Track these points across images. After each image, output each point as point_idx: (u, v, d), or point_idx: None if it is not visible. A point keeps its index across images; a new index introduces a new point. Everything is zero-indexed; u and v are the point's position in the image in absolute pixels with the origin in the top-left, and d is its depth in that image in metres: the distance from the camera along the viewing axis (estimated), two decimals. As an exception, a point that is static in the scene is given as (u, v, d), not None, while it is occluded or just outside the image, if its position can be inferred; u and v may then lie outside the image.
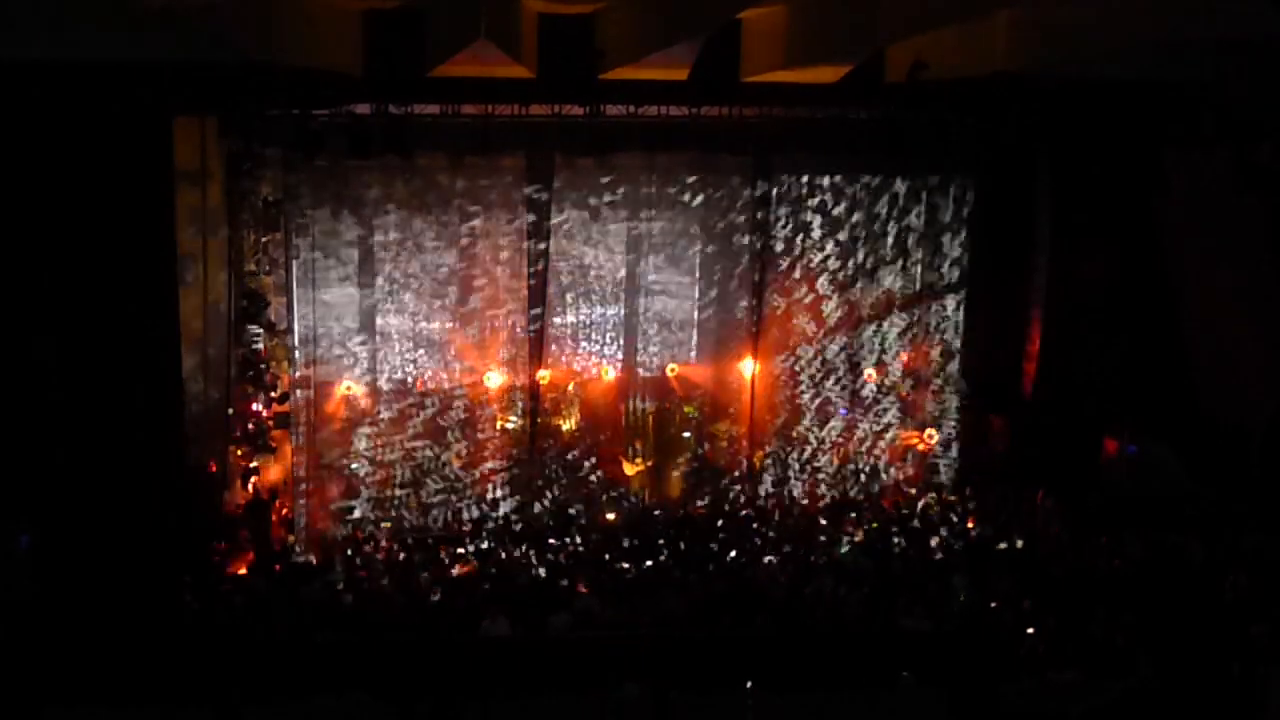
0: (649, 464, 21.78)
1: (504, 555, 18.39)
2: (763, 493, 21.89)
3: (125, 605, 14.80)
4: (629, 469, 21.67)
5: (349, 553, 18.69)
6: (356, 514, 20.50)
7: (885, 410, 22.57)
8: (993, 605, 15.74)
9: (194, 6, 14.04)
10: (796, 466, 22.23)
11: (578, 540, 19.11)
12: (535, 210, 20.47)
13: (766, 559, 17.99)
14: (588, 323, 21.66)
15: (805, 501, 21.62)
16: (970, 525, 19.49)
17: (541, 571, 17.55)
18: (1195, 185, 19.71)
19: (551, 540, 19.09)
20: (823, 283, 21.97)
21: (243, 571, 17.91)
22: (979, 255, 22.15)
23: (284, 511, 19.86)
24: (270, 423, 19.67)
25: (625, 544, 18.90)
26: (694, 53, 17.50)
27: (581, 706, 9.83)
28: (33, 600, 14.99)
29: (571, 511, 20.92)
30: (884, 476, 22.50)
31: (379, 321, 20.73)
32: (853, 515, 20.16)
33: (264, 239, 19.40)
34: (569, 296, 21.44)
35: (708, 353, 22.21)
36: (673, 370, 22.18)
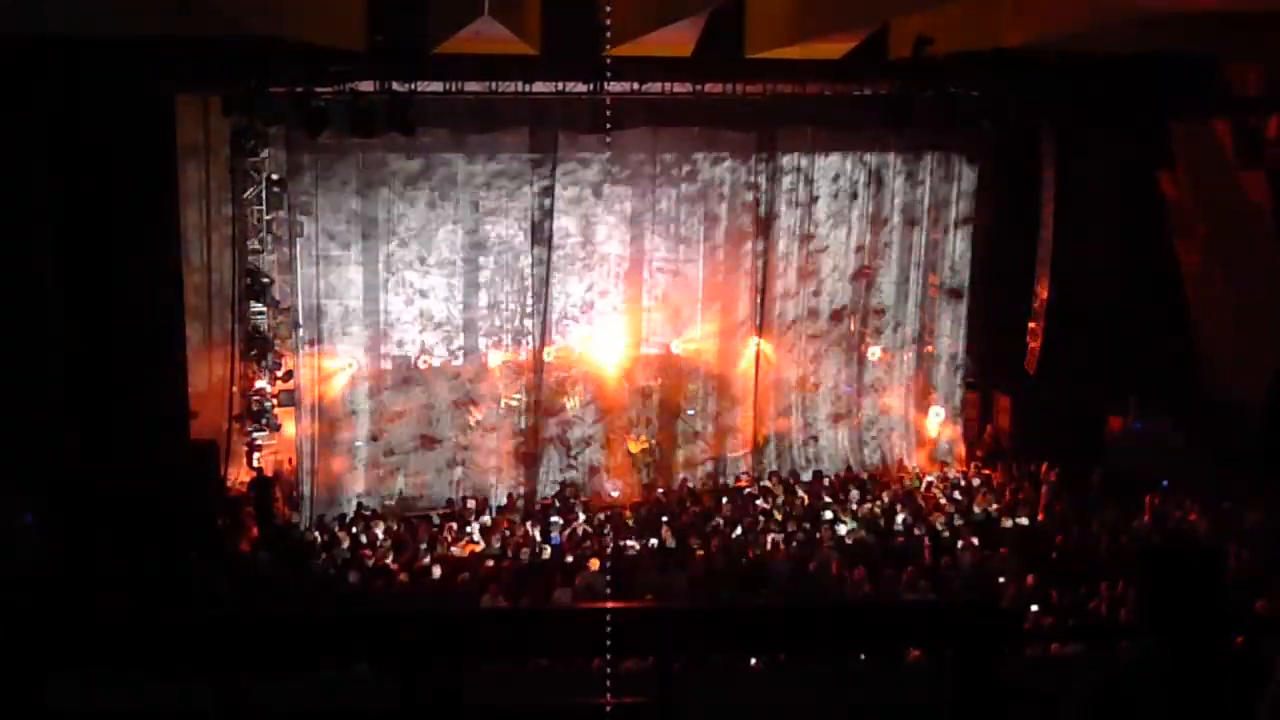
0: (653, 441, 21.80)
1: (508, 533, 18.42)
2: (767, 469, 21.89)
3: (129, 580, 14.85)
4: (633, 446, 21.70)
5: (353, 530, 18.74)
6: (360, 491, 20.54)
7: (890, 387, 22.60)
8: (998, 580, 15.78)
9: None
10: (800, 443, 22.26)
11: (581, 518, 19.12)
12: (539, 187, 20.45)
13: (770, 535, 18.01)
14: (592, 300, 21.65)
15: (809, 478, 21.62)
16: (975, 502, 19.49)
17: (545, 549, 17.59)
18: (1199, 160, 19.67)
19: (555, 518, 19.11)
20: (827, 259, 21.96)
21: (247, 548, 17.95)
22: (983, 230, 22.14)
23: (288, 488, 19.90)
24: (274, 400, 19.68)
25: (630, 521, 18.93)
26: (698, 29, 17.46)
27: (584, 679, 9.84)
28: (37, 575, 15.03)
29: (575, 488, 20.95)
30: (888, 453, 22.53)
31: (382, 299, 20.75)
32: (856, 492, 20.16)
33: (268, 217, 19.39)
34: (572, 274, 21.43)
35: (712, 329, 22.20)
36: (678, 346, 22.19)
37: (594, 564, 16.48)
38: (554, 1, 17.24)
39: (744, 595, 15.23)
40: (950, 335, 22.64)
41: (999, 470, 21.04)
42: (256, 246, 19.38)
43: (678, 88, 19.25)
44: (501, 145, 20.54)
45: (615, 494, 21.22)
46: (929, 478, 21.32)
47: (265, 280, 19.37)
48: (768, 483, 21.24)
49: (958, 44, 16.61)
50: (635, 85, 18.98)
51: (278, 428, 19.70)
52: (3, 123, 16.73)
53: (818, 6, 16.06)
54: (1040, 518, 18.71)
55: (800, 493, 20.60)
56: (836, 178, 21.79)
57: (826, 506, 19.46)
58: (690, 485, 21.33)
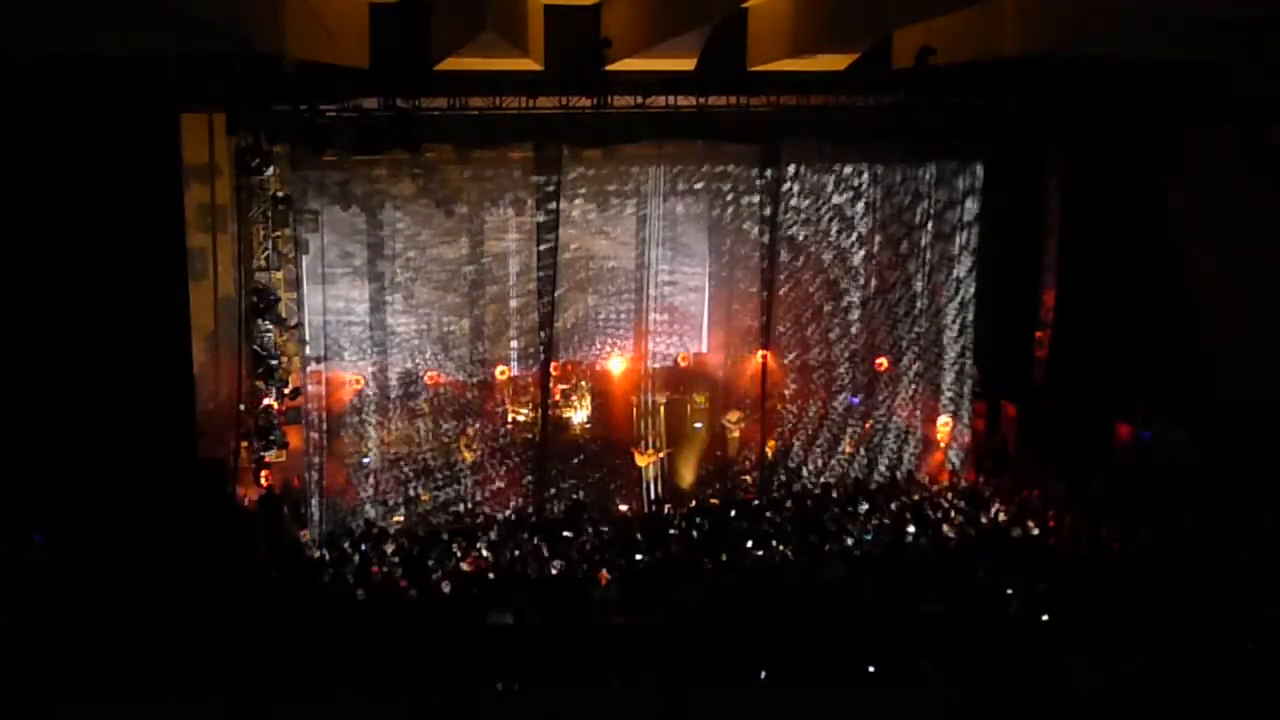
0: (661, 454, 21.78)
1: (516, 548, 18.41)
2: (775, 481, 21.87)
3: (139, 598, 14.85)
4: (641, 460, 21.67)
5: (361, 547, 18.72)
6: (368, 507, 20.54)
7: (897, 397, 22.57)
8: (1007, 590, 15.73)
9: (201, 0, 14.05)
10: (808, 454, 22.23)
11: (590, 532, 19.11)
12: (544, 202, 20.43)
13: (779, 547, 17.98)
14: (598, 314, 21.69)
15: (818, 490, 21.59)
16: (983, 511, 19.46)
17: (555, 564, 17.56)
18: (1206, 166, 19.65)
19: (565, 533, 19.09)
20: (833, 270, 21.97)
21: (256, 566, 17.94)
22: (989, 240, 22.12)
23: (296, 506, 19.89)
24: (282, 417, 19.66)
25: (638, 535, 18.91)
26: (700, 43, 17.51)
27: (597, 695, 9.85)
28: (47, 595, 15.06)
29: (584, 503, 20.93)
30: (896, 464, 22.49)
31: (389, 315, 20.78)
32: (865, 503, 20.13)
33: (273, 234, 19.39)
34: (579, 288, 21.45)
35: (718, 342, 22.23)
36: (684, 360, 22.20)
37: (604, 578, 16.46)
38: (557, 17, 17.28)
39: (754, 608, 15.20)
40: (957, 345, 22.59)
41: (1007, 479, 21.00)
42: (262, 264, 19.36)
43: (681, 101, 19.28)
44: (506, 160, 20.58)
45: (624, 508, 21.20)
46: (937, 488, 21.27)
47: (271, 298, 19.34)
48: (776, 495, 21.22)
49: (960, 54, 16.63)
50: (639, 99, 19.02)
51: (285, 445, 19.67)
52: (9, 142, 16.80)
53: (818, 20, 16.08)
54: (1049, 526, 18.67)
55: (809, 504, 20.57)
56: (841, 189, 21.77)
57: (835, 518, 19.43)
58: (698, 498, 21.31)
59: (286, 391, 19.68)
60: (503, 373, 21.43)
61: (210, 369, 19.19)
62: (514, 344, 21.33)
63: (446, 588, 16.50)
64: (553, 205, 20.41)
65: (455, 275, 20.98)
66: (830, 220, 21.83)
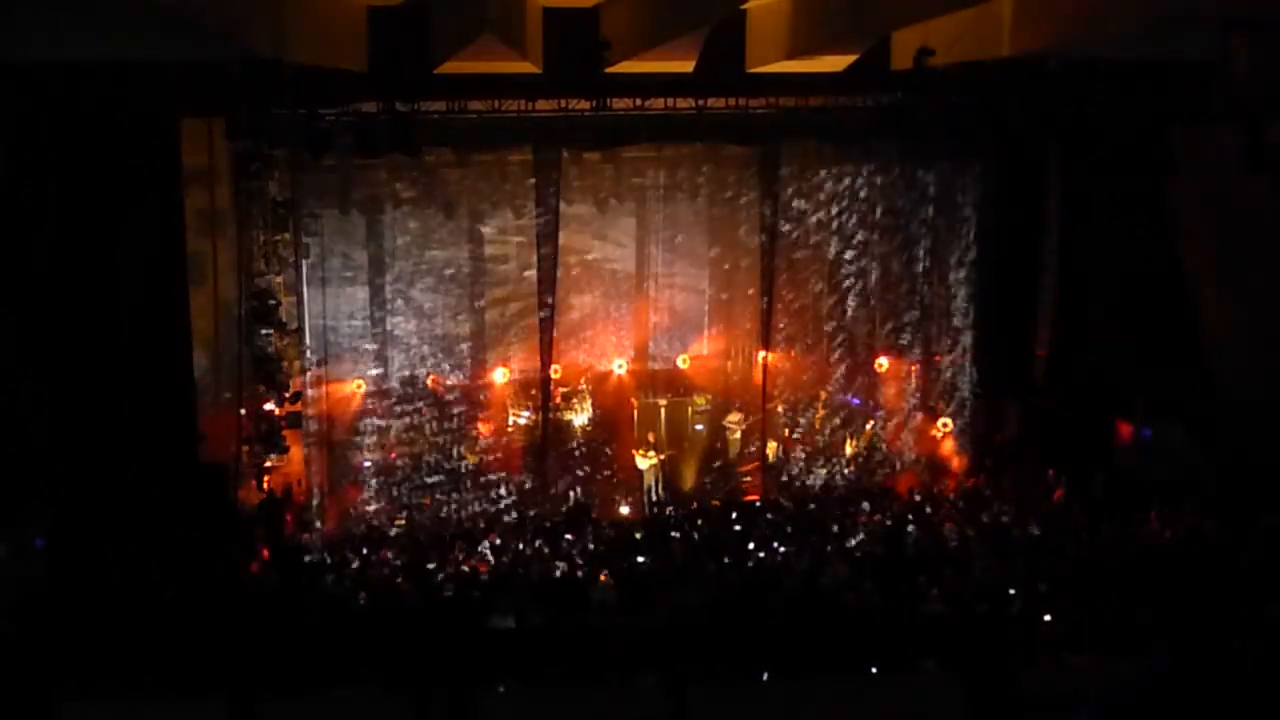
0: (662, 456, 21.77)
1: (518, 551, 18.39)
2: (776, 482, 21.86)
3: (141, 602, 14.85)
4: (642, 462, 21.66)
5: (363, 550, 18.71)
6: (370, 511, 20.54)
7: (897, 397, 22.57)
8: (1009, 590, 15.72)
9: (200, 5, 14.06)
10: (809, 455, 22.22)
11: (591, 534, 19.09)
12: (543, 205, 20.42)
13: (780, 548, 17.96)
14: (598, 316, 21.70)
15: (819, 491, 21.58)
16: (985, 511, 19.44)
17: (559, 566, 17.54)
18: (1206, 166, 19.65)
19: (566, 535, 19.07)
20: (833, 271, 21.98)
21: (257, 569, 17.93)
22: (989, 240, 22.11)
23: (298, 510, 19.87)
24: (283, 422, 19.66)
25: (639, 537, 18.89)
26: (699, 45, 17.50)
27: (598, 697, 9.84)
28: (48, 596, 15.07)
29: (585, 505, 20.92)
30: (897, 464, 22.49)
31: (389, 319, 20.83)
32: (866, 504, 20.11)
33: (273, 239, 19.39)
34: (579, 291, 21.46)
35: (719, 344, 22.23)
36: (684, 362, 22.21)
37: (605, 581, 16.44)
38: (556, 19, 17.29)
39: (755, 610, 15.18)
40: (957, 345, 22.58)
41: (1008, 479, 20.98)
42: (262, 269, 19.37)
43: (680, 104, 19.28)
44: (505, 163, 20.62)
45: (625, 509, 21.19)
46: (937, 488, 21.25)
47: (272, 303, 19.35)
48: (777, 496, 21.20)
49: (959, 54, 16.62)
50: (638, 102, 19.03)
51: (286, 449, 19.66)
52: (10, 145, 16.81)
53: (817, 22, 16.09)
54: (1051, 526, 18.64)
55: (810, 505, 20.55)
56: (840, 190, 21.78)
57: (836, 519, 19.41)
58: (700, 500, 21.30)
59: (287, 396, 19.68)
60: (504, 375, 21.45)
61: (211, 373, 19.21)
62: (514, 347, 21.35)
63: (448, 590, 16.49)
64: (552, 208, 20.41)
65: (455, 278, 21.02)
66: (830, 222, 21.84)
